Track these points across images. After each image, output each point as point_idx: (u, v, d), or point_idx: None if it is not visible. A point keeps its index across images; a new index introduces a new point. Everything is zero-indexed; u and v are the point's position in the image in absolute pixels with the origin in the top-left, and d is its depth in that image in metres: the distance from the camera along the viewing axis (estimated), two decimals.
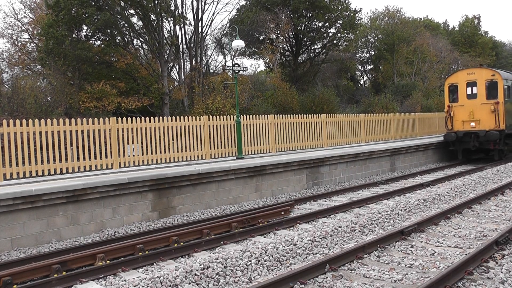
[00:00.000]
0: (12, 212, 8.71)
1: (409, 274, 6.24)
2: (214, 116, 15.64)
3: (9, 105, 19.57)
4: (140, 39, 28.02)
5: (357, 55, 46.68)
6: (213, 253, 7.80)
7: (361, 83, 51.40)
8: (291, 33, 34.94)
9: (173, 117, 14.41)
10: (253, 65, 79.43)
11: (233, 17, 33.78)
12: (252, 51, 36.70)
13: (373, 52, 46.61)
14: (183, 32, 29.48)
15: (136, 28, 27.11)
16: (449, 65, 46.41)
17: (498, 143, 19.65)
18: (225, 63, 34.21)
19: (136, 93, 25.82)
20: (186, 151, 14.45)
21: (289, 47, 36.85)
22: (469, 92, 20.44)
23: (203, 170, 11.83)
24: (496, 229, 8.55)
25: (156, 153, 13.69)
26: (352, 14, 35.29)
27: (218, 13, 39.97)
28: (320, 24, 35.70)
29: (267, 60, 35.31)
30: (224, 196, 12.55)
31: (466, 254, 6.75)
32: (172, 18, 27.18)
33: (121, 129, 12.97)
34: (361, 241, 7.72)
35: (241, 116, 16.00)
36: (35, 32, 29.48)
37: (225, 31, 32.88)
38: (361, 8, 50.42)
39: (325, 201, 12.91)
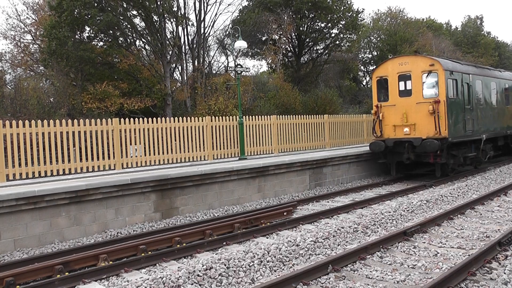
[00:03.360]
0: (15, 212, 8.73)
1: (411, 275, 6.23)
2: (217, 117, 15.65)
3: (12, 106, 19.61)
4: (143, 40, 28.06)
5: (360, 56, 46.62)
6: (215, 254, 7.80)
7: (364, 83, 51.33)
8: (293, 34, 34.93)
9: (176, 118, 14.43)
10: (256, 66, 79.36)
11: (236, 18, 33.81)
12: (254, 52, 36.72)
13: (375, 53, 46.51)
14: (185, 33, 29.56)
15: (139, 29, 27.17)
16: None
17: (439, 156, 14.93)
18: (228, 64, 34.23)
19: (138, 94, 25.85)
20: (188, 152, 14.46)
21: (291, 48, 36.85)
22: (401, 87, 15.70)
23: (206, 171, 11.84)
24: (499, 230, 8.52)
25: (158, 154, 13.71)
26: (354, 15, 35.25)
27: (220, 14, 40.12)
28: (322, 25, 35.68)
29: (270, 61, 35.28)
30: (226, 197, 12.55)
31: (469, 255, 6.74)
32: (174, 19, 27.22)
33: (124, 130, 13.00)
34: (363, 242, 7.71)
35: (244, 116, 16.00)
36: (37, 33, 29.55)
37: (227, 32, 32.89)
38: (363, 9, 50.34)
39: (328, 201, 12.90)
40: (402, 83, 15.70)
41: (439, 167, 15.42)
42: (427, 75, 15.17)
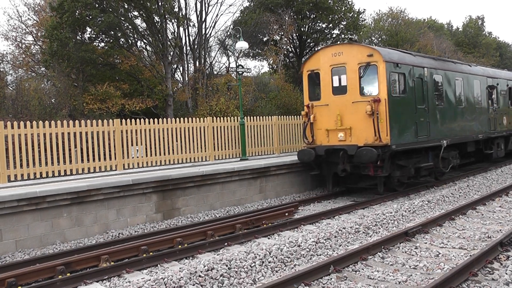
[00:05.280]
0: (16, 213, 8.74)
1: (413, 275, 6.22)
2: (218, 118, 15.65)
3: (13, 107, 19.65)
4: (144, 40, 28.07)
5: None
6: (217, 255, 7.80)
7: None
8: (294, 35, 34.93)
9: (177, 119, 14.44)
10: (257, 67, 79.62)
11: (237, 19, 33.80)
12: (255, 52, 36.71)
13: None
14: (186, 34, 29.57)
15: (140, 30, 27.17)
16: None
17: (380, 167, 12.15)
18: (229, 65, 34.23)
19: (140, 94, 25.86)
20: (190, 152, 14.46)
21: (292, 49, 36.84)
22: (336, 83, 12.87)
23: (207, 172, 11.84)
24: (500, 230, 8.51)
25: (160, 154, 13.71)
26: (355, 15, 35.26)
27: (221, 14, 40.33)
28: (323, 25, 35.68)
29: (271, 62, 35.29)
30: (228, 198, 12.55)
31: (470, 255, 6.73)
32: (175, 20, 27.23)
33: (125, 131, 13.01)
34: (365, 243, 7.71)
35: (245, 117, 16.01)
36: (39, 34, 29.60)
37: (228, 33, 32.89)
38: (364, 9, 50.25)
39: (329, 202, 12.90)
40: (336, 78, 12.93)
41: (381, 181, 12.70)
42: (365, 68, 12.31)
